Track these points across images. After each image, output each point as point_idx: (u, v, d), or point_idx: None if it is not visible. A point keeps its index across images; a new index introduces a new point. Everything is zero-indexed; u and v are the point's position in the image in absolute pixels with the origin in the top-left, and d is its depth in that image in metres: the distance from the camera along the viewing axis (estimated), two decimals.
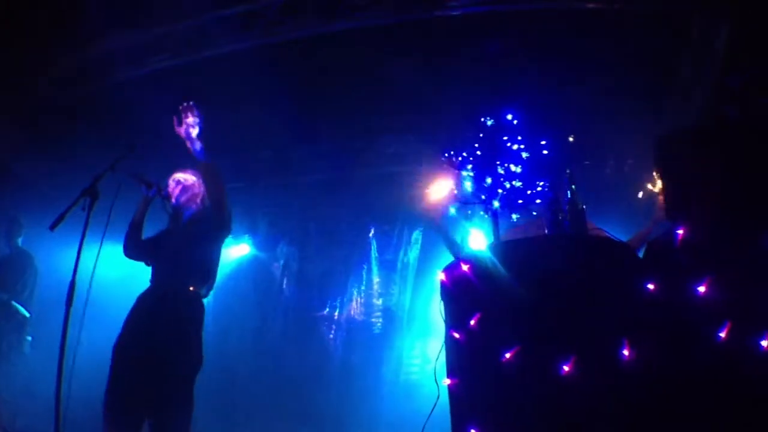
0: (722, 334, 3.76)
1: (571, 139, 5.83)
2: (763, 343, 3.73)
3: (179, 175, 6.43)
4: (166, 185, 6.39)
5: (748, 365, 3.73)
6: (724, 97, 6.59)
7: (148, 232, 6.35)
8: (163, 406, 5.40)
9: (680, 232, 4.15)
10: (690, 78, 8.01)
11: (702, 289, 3.88)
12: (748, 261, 3.96)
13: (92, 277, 5.57)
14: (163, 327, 5.57)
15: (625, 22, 7.24)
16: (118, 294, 6.80)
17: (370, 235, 11.25)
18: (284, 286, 11.62)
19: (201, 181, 6.34)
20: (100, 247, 5.70)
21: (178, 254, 5.98)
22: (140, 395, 5.38)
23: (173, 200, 6.30)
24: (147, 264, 6.21)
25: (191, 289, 5.87)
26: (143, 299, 5.85)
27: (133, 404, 5.39)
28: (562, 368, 3.81)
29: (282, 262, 11.72)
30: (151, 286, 5.94)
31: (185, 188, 6.32)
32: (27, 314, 8.46)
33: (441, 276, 4.61)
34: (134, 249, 6.22)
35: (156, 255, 6.15)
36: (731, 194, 4.26)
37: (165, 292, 5.81)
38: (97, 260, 5.61)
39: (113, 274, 8.15)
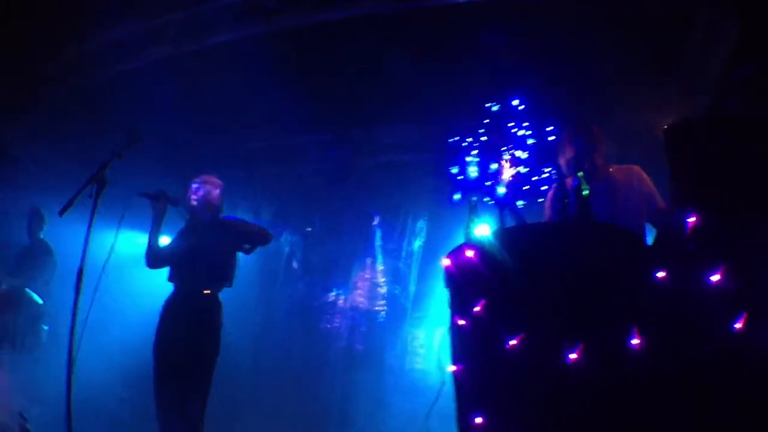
0: (738, 325, 3.70)
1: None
2: None
3: (194, 183, 6.72)
4: (181, 189, 6.70)
5: (766, 357, 3.68)
6: (730, 90, 6.56)
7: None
8: (180, 401, 5.97)
9: (691, 220, 4.10)
10: (694, 71, 7.96)
11: (715, 278, 3.83)
12: (763, 251, 3.92)
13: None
14: (182, 332, 6.11)
15: (631, 13, 7.18)
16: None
17: (374, 223, 11.21)
18: (288, 275, 11.60)
19: (211, 187, 6.69)
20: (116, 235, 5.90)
21: (194, 261, 6.35)
22: (168, 391, 6.03)
23: (192, 204, 6.63)
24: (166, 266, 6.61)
25: (206, 292, 6.32)
26: (167, 305, 6.36)
27: (166, 399, 6.01)
28: (569, 356, 3.76)
29: (286, 250, 11.70)
30: (172, 292, 6.41)
31: (204, 195, 6.53)
32: (40, 301, 8.48)
33: (446, 262, 4.57)
34: (155, 263, 6.58)
35: (174, 260, 6.52)
36: (744, 183, 4.21)
37: (184, 298, 6.32)
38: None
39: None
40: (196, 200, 6.56)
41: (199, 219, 6.56)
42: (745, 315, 3.70)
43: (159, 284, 6.60)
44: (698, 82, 7.94)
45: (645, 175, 5.44)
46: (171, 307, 6.31)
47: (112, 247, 5.74)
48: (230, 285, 6.59)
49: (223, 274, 6.50)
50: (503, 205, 5.03)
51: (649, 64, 7.85)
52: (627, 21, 7.18)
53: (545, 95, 6.43)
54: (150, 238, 6.48)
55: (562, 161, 5.37)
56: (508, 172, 5.29)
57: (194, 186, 6.63)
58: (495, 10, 7.37)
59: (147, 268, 6.58)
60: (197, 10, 8.20)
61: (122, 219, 5.97)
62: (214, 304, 6.34)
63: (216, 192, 6.66)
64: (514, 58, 7.66)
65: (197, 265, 6.30)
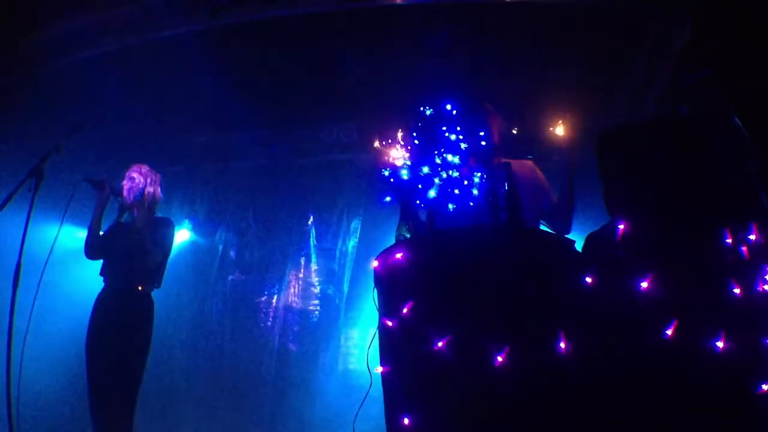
0: (669, 332, 3.74)
1: (514, 131, 5.82)
2: (719, 344, 3.71)
3: (132, 173, 6.65)
4: (122, 179, 6.63)
5: (699, 365, 3.72)
6: (680, 95, 6.64)
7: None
8: (111, 396, 5.99)
9: (621, 226, 4.13)
10: (643, 76, 8.06)
11: (645, 284, 3.86)
12: (694, 258, 3.96)
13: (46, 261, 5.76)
14: (115, 327, 6.09)
15: (578, 17, 7.23)
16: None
17: (309, 223, 11.17)
18: (222, 273, 11.48)
19: (151, 182, 6.60)
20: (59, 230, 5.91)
21: (127, 256, 6.30)
22: (102, 387, 6.00)
23: (124, 198, 6.57)
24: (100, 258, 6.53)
25: (140, 288, 6.28)
26: (99, 301, 6.28)
27: (98, 394, 5.99)
28: (496, 358, 3.76)
29: (221, 248, 11.59)
30: (104, 287, 6.34)
31: (135, 188, 6.44)
32: None
33: (374, 263, 4.57)
34: (95, 253, 6.48)
35: (107, 253, 6.46)
36: (675, 190, 4.26)
37: (116, 293, 6.26)
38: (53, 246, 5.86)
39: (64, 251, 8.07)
40: (132, 194, 6.47)
41: (133, 216, 6.48)
42: (675, 322, 3.74)
43: (98, 278, 6.52)
44: (648, 87, 8.05)
45: (539, 170, 5.52)
46: (103, 302, 6.24)
47: (55, 238, 5.77)
48: (159, 285, 6.56)
49: (156, 273, 6.46)
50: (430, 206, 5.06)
51: (597, 69, 7.93)
52: (578, 25, 7.24)
53: (486, 98, 6.44)
54: (91, 227, 6.40)
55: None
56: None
57: (131, 177, 6.54)
58: (440, 11, 7.40)
59: (86, 261, 6.53)
60: (143, 5, 8.12)
61: (67, 208, 5.97)
62: (146, 300, 6.32)
63: (153, 187, 6.59)
64: (460, 59, 7.69)
65: (131, 262, 6.25)
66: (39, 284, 5.81)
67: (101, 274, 6.36)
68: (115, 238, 6.42)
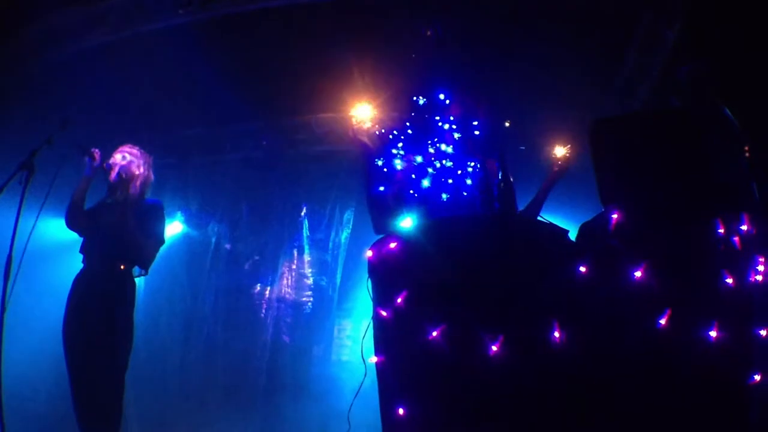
0: (662, 321, 3.75)
1: (507, 124, 5.82)
2: (712, 333, 3.73)
3: (124, 152, 6.41)
4: (110, 157, 6.35)
5: (693, 355, 3.73)
6: (673, 89, 6.66)
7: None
8: (95, 384, 5.64)
9: (615, 216, 4.15)
10: (635, 69, 8.06)
11: (638, 274, 3.88)
12: (687, 249, 3.98)
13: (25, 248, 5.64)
14: (95, 307, 5.79)
15: (570, 11, 7.23)
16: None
17: (302, 214, 11.17)
18: (215, 265, 11.44)
19: (143, 163, 6.40)
20: (36, 219, 5.77)
21: (110, 235, 6.02)
22: (84, 373, 5.67)
23: (113, 176, 6.25)
24: (81, 236, 6.26)
25: (122, 267, 6.03)
26: (78, 280, 6.02)
27: (80, 386, 5.68)
28: (490, 348, 3.77)
29: (214, 240, 11.55)
30: (84, 267, 6.09)
31: (125, 167, 6.25)
32: None
33: (368, 253, 4.57)
34: (76, 221, 6.18)
35: (89, 230, 6.19)
36: (666, 181, 4.27)
37: (96, 272, 5.99)
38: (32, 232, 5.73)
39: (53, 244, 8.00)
40: (121, 171, 6.30)
41: (120, 195, 6.31)
42: (669, 312, 3.76)
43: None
44: (639, 80, 8.06)
45: None
46: (81, 282, 6.01)
47: (33, 226, 5.63)
48: (146, 270, 6.36)
49: (141, 256, 6.24)
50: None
51: (589, 62, 7.93)
52: (570, 18, 7.24)
53: (479, 89, 6.44)
54: (74, 195, 6.11)
55: None
56: None
57: (122, 155, 6.34)
58: (434, 3, 7.39)
59: (76, 253, 6.28)
60: None
61: (50, 190, 5.86)
62: (126, 279, 6.08)
63: (145, 168, 6.43)
64: (452, 50, 7.67)
65: (112, 241, 6.00)
66: (15, 277, 5.69)
67: (81, 251, 6.15)
68: (98, 216, 6.15)
